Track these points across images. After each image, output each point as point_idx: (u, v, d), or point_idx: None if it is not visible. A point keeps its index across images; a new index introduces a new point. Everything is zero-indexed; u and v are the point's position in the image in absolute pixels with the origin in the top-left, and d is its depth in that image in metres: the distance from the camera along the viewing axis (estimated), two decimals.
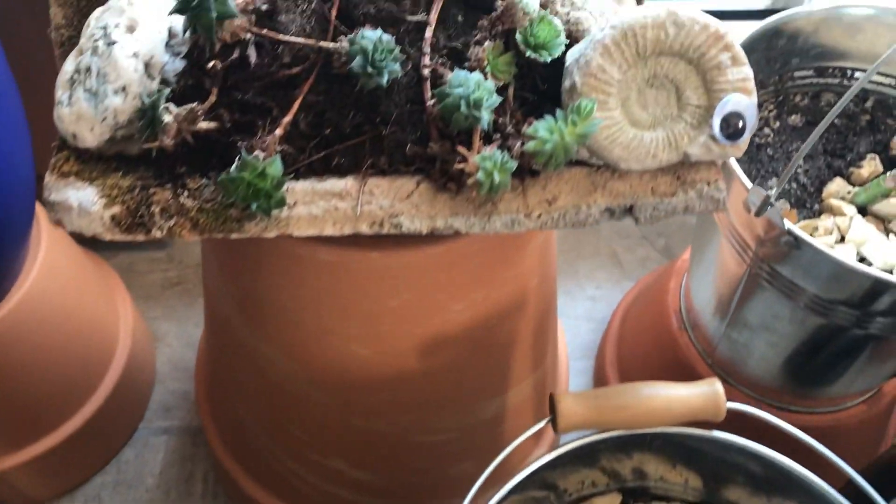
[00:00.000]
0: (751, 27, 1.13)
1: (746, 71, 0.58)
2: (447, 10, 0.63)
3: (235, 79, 0.59)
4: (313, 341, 0.75)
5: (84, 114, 0.58)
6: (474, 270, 0.71)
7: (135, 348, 1.13)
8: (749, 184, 0.76)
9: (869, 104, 0.98)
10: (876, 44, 0.93)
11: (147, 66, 0.60)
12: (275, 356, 0.79)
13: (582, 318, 1.33)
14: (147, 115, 0.56)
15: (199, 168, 0.60)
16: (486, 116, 0.56)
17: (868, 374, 0.93)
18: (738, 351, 0.96)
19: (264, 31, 0.59)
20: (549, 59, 0.59)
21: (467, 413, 0.87)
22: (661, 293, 1.12)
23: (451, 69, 0.61)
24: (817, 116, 0.97)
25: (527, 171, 0.59)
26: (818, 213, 0.90)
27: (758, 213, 0.75)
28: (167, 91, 0.57)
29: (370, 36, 0.56)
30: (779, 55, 0.94)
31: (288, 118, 0.59)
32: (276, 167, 0.56)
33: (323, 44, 0.59)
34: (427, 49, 0.60)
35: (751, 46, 0.89)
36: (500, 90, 0.60)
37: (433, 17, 0.62)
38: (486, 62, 0.59)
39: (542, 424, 0.70)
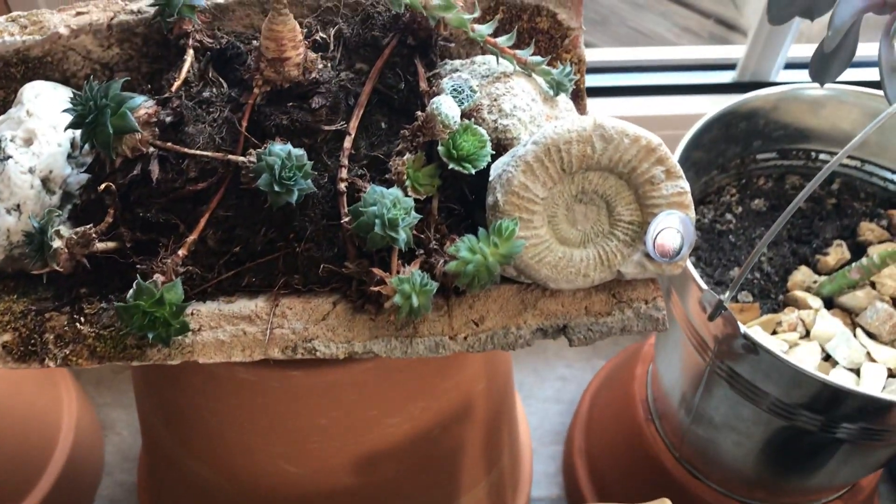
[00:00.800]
0: (717, 101, 1.11)
1: (682, 184, 0.54)
2: (371, 115, 0.60)
3: (138, 194, 0.56)
4: (239, 457, 0.70)
5: None
6: (408, 383, 0.66)
7: (79, 439, 1.08)
8: (703, 285, 0.72)
9: (835, 187, 0.95)
10: (839, 122, 0.90)
11: (46, 180, 0.56)
12: (201, 470, 0.74)
13: (551, 399, 1.28)
14: (35, 240, 0.52)
15: (101, 288, 0.56)
16: (403, 236, 0.52)
17: (843, 473, 0.88)
18: (704, 447, 0.91)
19: (168, 145, 0.55)
20: (473, 172, 0.56)
21: None
22: (627, 380, 1.07)
23: (372, 181, 0.57)
24: (782, 200, 0.93)
25: (452, 289, 0.55)
26: (783, 305, 0.86)
27: (711, 318, 0.70)
28: (57, 214, 0.53)
29: (278, 151, 0.53)
30: (740, 137, 0.91)
31: (193, 236, 0.55)
32: (175, 293, 0.52)
33: (231, 157, 0.55)
34: (344, 161, 0.56)
35: (708, 130, 0.86)
36: (424, 202, 0.57)
37: (353, 125, 0.58)
38: (405, 176, 0.55)
39: None
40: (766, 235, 0.64)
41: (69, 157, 0.58)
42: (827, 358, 0.80)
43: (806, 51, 1.17)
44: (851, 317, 0.83)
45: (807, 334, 0.82)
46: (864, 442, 0.77)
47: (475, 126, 0.56)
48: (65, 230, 0.52)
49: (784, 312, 0.83)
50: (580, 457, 1.13)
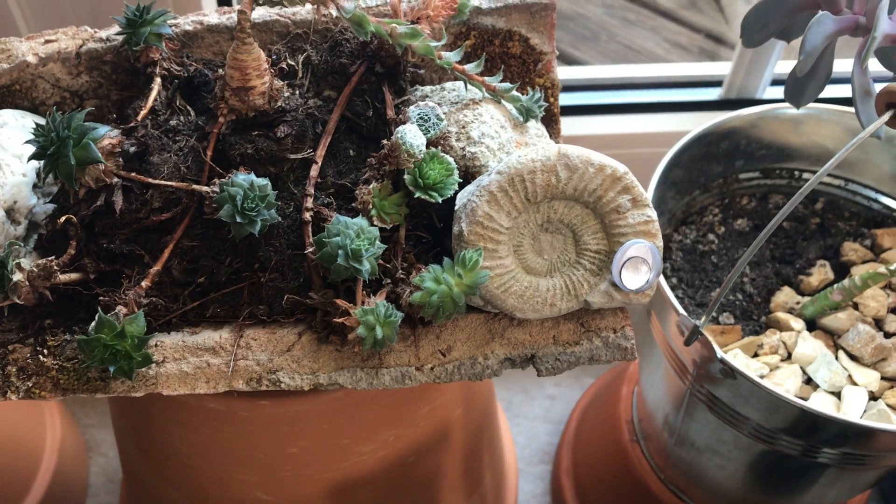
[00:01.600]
0: (703, 118, 1.11)
1: (649, 213, 0.53)
2: (339, 143, 0.59)
3: (102, 225, 0.55)
4: (212, 486, 0.69)
5: None
6: (380, 412, 0.66)
7: (63, 461, 1.07)
8: (680, 309, 0.72)
9: (819, 206, 0.94)
10: (821, 140, 0.89)
11: (10, 211, 0.56)
12: (176, 497, 0.73)
13: (539, 419, 1.27)
14: None
15: (66, 320, 0.56)
16: (367, 266, 0.52)
17: (830, 495, 0.87)
18: (688, 469, 0.91)
19: (132, 175, 0.55)
20: (440, 201, 0.55)
21: None
22: (614, 400, 1.06)
23: (339, 210, 0.57)
24: (765, 220, 0.93)
25: (418, 319, 0.55)
26: (765, 327, 0.85)
27: (687, 343, 0.70)
28: (18, 246, 0.52)
29: (240, 181, 0.52)
30: (722, 157, 0.91)
31: (157, 267, 0.54)
32: (137, 325, 0.51)
33: (196, 187, 0.55)
34: (310, 189, 0.56)
35: (688, 150, 0.85)
36: (391, 231, 0.56)
37: (320, 153, 0.58)
38: (371, 205, 0.54)
39: None
40: (742, 257, 0.63)
41: (35, 186, 0.57)
42: (809, 381, 0.79)
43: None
44: (834, 339, 0.83)
45: (788, 356, 0.81)
46: (847, 466, 0.76)
47: (442, 154, 0.56)
48: (26, 263, 0.52)
49: (766, 335, 0.83)
50: (567, 476, 1.12)
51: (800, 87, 0.67)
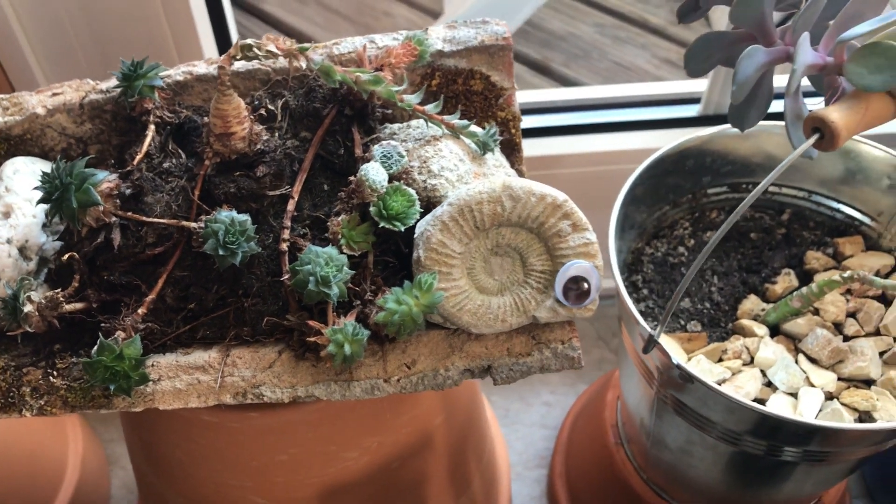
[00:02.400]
0: (682, 134, 1.16)
1: (588, 236, 0.59)
2: (314, 179, 0.66)
3: (103, 259, 0.62)
4: (213, 492, 0.76)
5: None
6: (361, 420, 0.72)
7: (85, 475, 1.15)
8: (640, 319, 0.77)
9: (785, 217, 0.99)
10: (778, 154, 0.95)
11: (23, 249, 0.63)
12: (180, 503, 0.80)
13: (536, 424, 1.33)
14: (9, 305, 0.58)
15: (73, 345, 0.63)
16: (336, 290, 0.58)
17: (808, 486, 0.92)
18: (667, 469, 0.96)
19: (128, 214, 0.62)
20: (403, 229, 0.62)
21: None
22: (601, 406, 1.12)
23: (313, 239, 0.63)
24: (733, 231, 0.98)
25: (384, 336, 0.61)
26: (731, 334, 0.91)
27: (644, 351, 0.75)
28: (29, 281, 0.59)
29: (223, 218, 0.59)
30: (689, 174, 0.96)
31: (152, 295, 0.61)
32: (134, 348, 0.58)
33: (185, 223, 0.62)
34: (287, 222, 0.63)
35: (655, 168, 0.91)
36: (360, 257, 0.63)
37: (296, 189, 0.64)
38: (340, 235, 0.61)
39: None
40: (689, 270, 0.68)
41: (44, 226, 0.64)
42: (769, 384, 0.84)
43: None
44: (795, 343, 0.88)
45: (752, 361, 0.86)
46: (813, 462, 0.81)
47: (405, 187, 0.62)
48: (36, 295, 0.59)
49: (730, 341, 0.88)
50: (560, 480, 1.18)
51: (742, 112, 0.73)
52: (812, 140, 0.65)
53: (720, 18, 1.77)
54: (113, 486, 1.25)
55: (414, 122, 0.69)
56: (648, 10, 1.76)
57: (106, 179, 0.61)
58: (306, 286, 0.58)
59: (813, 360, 0.86)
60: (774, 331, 0.89)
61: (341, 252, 0.60)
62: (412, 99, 0.64)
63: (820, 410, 0.81)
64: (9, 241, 0.62)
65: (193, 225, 0.61)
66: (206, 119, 0.64)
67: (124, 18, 0.94)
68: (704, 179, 0.97)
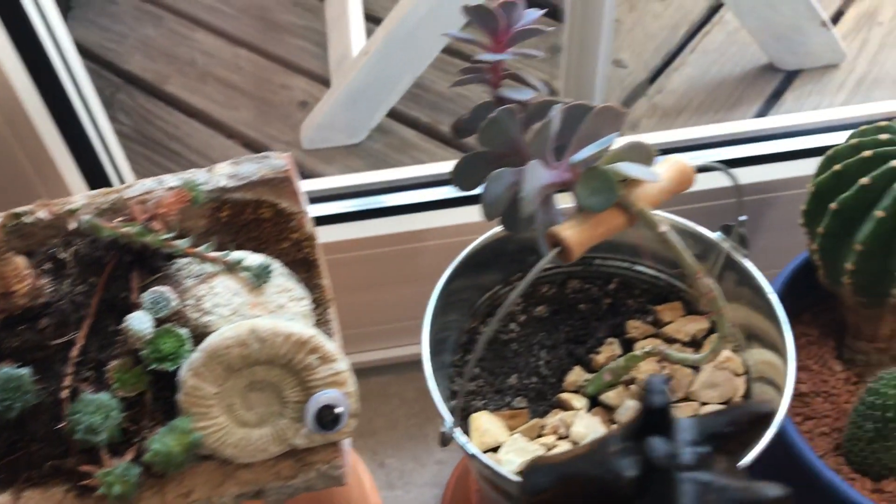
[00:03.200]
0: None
1: (337, 366, 0.65)
2: (102, 321, 0.72)
3: None
4: None
5: None
6: None
7: None
8: (446, 412, 0.83)
9: (612, 286, 1.05)
10: None
11: None
12: None
13: (429, 484, 1.38)
14: None
15: None
16: (104, 436, 0.64)
17: None
18: None
19: None
20: (174, 370, 0.67)
21: None
22: (468, 468, 1.17)
23: (98, 381, 0.69)
24: (563, 304, 1.04)
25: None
26: (557, 406, 0.96)
27: (442, 445, 0.81)
28: None
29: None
30: (514, 255, 1.01)
31: None
32: None
33: None
34: (69, 369, 0.68)
35: (478, 255, 0.97)
36: (139, 396, 0.68)
37: (82, 334, 0.70)
38: (113, 379, 0.67)
39: None
40: (472, 354, 0.74)
41: None
42: None
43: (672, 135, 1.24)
44: (611, 414, 0.93)
45: (568, 436, 0.92)
46: None
47: (176, 329, 0.68)
48: None
49: (550, 415, 0.94)
50: None
51: (511, 221, 0.78)
52: (553, 253, 0.71)
53: None
54: None
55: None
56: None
57: None
58: (76, 434, 0.64)
59: None
60: (596, 402, 0.95)
61: (115, 396, 0.66)
62: (182, 243, 0.70)
63: None
64: None
65: None
66: None
67: None
68: (530, 259, 1.03)
